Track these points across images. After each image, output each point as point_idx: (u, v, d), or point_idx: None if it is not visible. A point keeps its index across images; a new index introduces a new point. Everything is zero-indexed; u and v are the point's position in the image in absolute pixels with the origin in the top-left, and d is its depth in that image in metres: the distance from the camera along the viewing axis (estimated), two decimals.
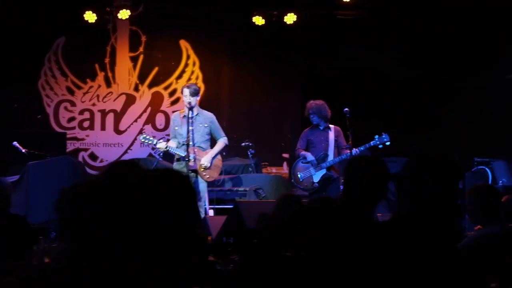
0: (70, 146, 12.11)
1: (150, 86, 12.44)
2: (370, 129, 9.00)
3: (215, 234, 6.94)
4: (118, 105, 12.36)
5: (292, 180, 9.02)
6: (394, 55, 11.42)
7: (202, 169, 8.30)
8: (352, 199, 3.55)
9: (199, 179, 8.34)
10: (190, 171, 8.17)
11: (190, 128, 8.31)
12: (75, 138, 12.21)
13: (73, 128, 12.23)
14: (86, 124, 12.29)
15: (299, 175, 8.81)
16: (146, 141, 8.50)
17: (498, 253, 4.59)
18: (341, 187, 8.73)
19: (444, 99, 11.44)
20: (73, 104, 12.28)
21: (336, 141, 8.80)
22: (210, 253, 5.95)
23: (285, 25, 11.77)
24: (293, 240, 4.16)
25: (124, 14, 11.57)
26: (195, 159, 8.26)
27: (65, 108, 12.26)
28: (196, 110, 8.50)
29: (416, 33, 11.52)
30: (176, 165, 8.42)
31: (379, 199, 3.72)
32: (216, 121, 8.69)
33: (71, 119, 12.26)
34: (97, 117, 12.32)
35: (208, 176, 8.37)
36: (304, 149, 8.90)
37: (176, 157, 8.40)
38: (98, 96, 12.32)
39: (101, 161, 12.24)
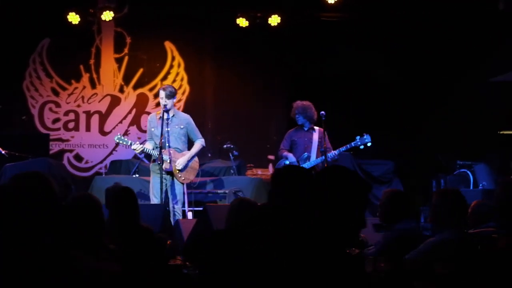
0: (55, 147, 12.12)
1: (135, 87, 12.44)
2: (355, 131, 9.02)
3: (186, 237, 6.94)
4: (103, 107, 12.36)
5: None
6: (379, 57, 11.43)
7: (177, 171, 8.30)
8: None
9: (175, 181, 8.34)
10: (165, 173, 8.18)
11: (166, 129, 8.32)
12: (60, 139, 12.21)
13: (58, 129, 12.23)
14: (71, 125, 12.29)
15: None
16: (121, 141, 8.51)
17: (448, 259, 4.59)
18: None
19: (429, 101, 11.43)
20: (58, 105, 12.28)
21: (320, 142, 8.83)
22: (174, 256, 5.95)
23: (269, 27, 11.74)
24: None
25: (107, 15, 11.55)
26: (170, 160, 8.27)
27: (50, 109, 12.26)
28: (172, 112, 8.52)
29: (401, 35, 11.51)
30: (152, 166, 8.43)
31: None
32: (192, 122, 8.68)
33: (56, 120, 12.26)
34: (82, 118, 12.32)
35: (183, 178, 8.37)
36: (288, 150, 8.97)
37: (153, 158, 8.41)
38: (83, 97, 12.32)
39: (86, 162, 12.24)
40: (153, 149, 8.34)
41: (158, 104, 12.20)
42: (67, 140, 12.23)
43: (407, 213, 5.57)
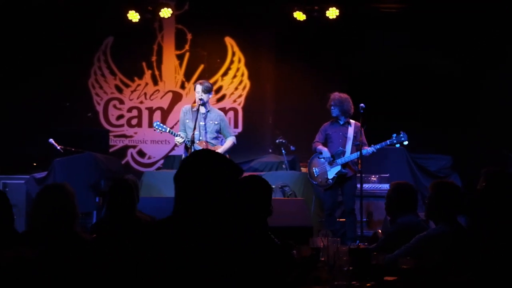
0: (119, 143, 12.40)
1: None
2: (412, 125, 8.76)
3: None
4: (165, 103, 12.53)
5: (308, 176, 8.88)
6: (437, 49, 11.03)
7: None
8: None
9: None
10: None
11: (202, 123, 8.34)
12: (124, 136, 12.48)
13: (122, 125, 12.51)
14: (134, 121, 12.53)
15: (314, 170, 8.70)
16: (159, 128, 8.56)
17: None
18: (358, 185, 8.55)
19: (489, 94, 10.93)
20: (121, 102, 12.56)
21: (355, 137, 8.60)
22: None
23: (327, 19, 11.55)
24: None
25: (165, 12, 11.71)
26: None
27: (114, 106, 12.55)
28: (208, 107, 8.51)
29: (461, 27, 11.07)
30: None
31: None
32: (226, 119, 8.71)
33: (120, 117, 12.54)
34: (145, 114, 12.54)
35: None
36: (322, 143, 8.78)
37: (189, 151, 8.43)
38: (145, 94, 12.54)
39: (149, 157, 12.45)
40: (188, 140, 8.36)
41: (219, 100, 12.35)
42: (131, 136, 12.48)
43: (411, 207, 5.33)
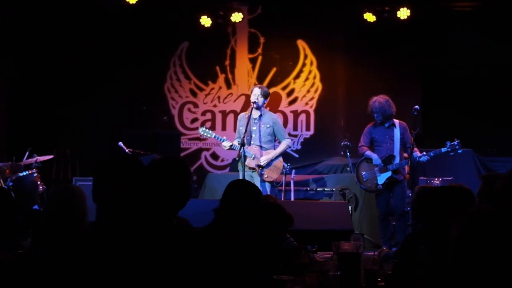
0: (193, 146, 12.62)
1: (269, 86, 12.50)
2: (486, 127, 8.52)
3: None
4: (238, 106, 12.66)
5: (356, 180, 8.75)
6: None
7: (260, 168, 8.31)
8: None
9: (259, 179, 8.36)
10: (249, 169, 8.24)
11: (254, 128, 8.39)
12: (198, 139, 12.67)
13: (196, 128, 12.70)
14: (208, 124, 12.69)
15: (363, 174, 8.57)
16: (205, 134, 8.67)
17: None
18: (408, 192, 8.37)
19: None
20: (196, 105, 12.78)
21: (402, 138, 8.44)
22: None
23: (398, 20, 11.35)
24: None
25: (237, 17, 11.84)
26: (254, 157, 8.32)
27: (189, 109, 12.79)
28: (261, 111, 8.57)
29: None
30: (239, 165, 8.53)
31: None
32: (280, 122, 8.72)
33: (194, 120, 12.76)
34: (218, 117, 12.72)
35: (266, 176, 8.38)
36: (368, 147, 8.64)
37: (238, 155, 8.50)
38: (219, 97, 12.71)
39: (222, 160, 12.61)
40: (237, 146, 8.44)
41: (291, 103, 12.37)
42: (205, 139, 12.66)
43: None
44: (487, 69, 10.96)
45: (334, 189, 9.49)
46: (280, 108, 12.50)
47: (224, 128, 12.66)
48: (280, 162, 8.61)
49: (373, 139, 8.71)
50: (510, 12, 10.84)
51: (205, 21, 11.95)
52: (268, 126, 8.55)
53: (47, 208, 4.27)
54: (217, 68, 12.69)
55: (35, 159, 9.51)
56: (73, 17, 12.01)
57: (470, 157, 9.75)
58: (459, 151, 8.32)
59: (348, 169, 10.45)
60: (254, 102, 8.45)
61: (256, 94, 8.50)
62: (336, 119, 12.31)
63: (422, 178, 9.34)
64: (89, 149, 11.89)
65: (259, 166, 8.35)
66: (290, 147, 8.74)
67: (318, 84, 12.40)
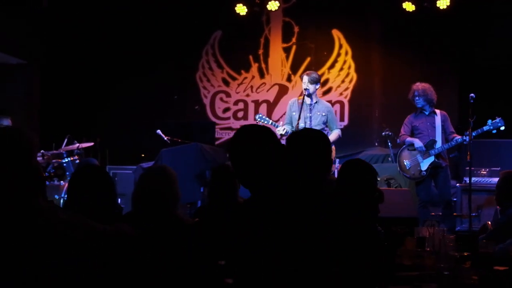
0: (225, 136, 12.50)
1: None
2: None
3: None
4: (271, 96, 12.55)
5: (398, 169, 8.64)
6: None
7: None
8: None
9: None
10: None
11: (309, 115, 8.27)
12: (230, 128, 12.57)
13: (228, 118, 12.61)
14: (240, 114, 12.61)
15: (405, 163, 8.49)
16: (262, 120, 8.55)
17: None
18: (465, 179, 8.27)
19: None
20: (228, 95, 12.66)
21: (443, 126, 8.37)
22: None
23: (438, 10, 11.21)
24: None
25: (273, 5, 11.72)
26: None
27: (221, 99, 12.67)
28: (314, 98, 8.45)
29: None
30: None
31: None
32: (333, 111, 8.58)
33: (226, 110, 12.65)
34: (251, 107, 12.60)
35: None
36: (409, 136, 8.54)
37: None
38: (252, 87, 12.59)
39: None
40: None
41: (325, 93, 12.24)
42: (236, 129, 12.50)
43: None
44: None
45: (379, 179, 9.34)
46: None
47: None
48: (333, 151, 8.50)
49: (414, 127, 8.61)
50: None
51: (241, 9, 11.82)
52: (323, 114, 8.41)
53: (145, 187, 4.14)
54: (250, 57, 12.56)
55: (76, 145, 9.40)
56: (107, 5, 11.90)
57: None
58: (502, 128, 8.19)
59: (389, 159, 10.33)
60: (306, 89, 8.31)
61: (305, 82, 8.38)
62: (371, 109, 12.18)
63: (467, 168, 9.19)
64: (119, 138, 11.81)
65: None
66: (340, 137, 8.59)
67: (353, 74, 12.27)
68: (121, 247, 3.12)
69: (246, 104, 12.61)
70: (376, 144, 11.83)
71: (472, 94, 8.06)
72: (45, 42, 11.98)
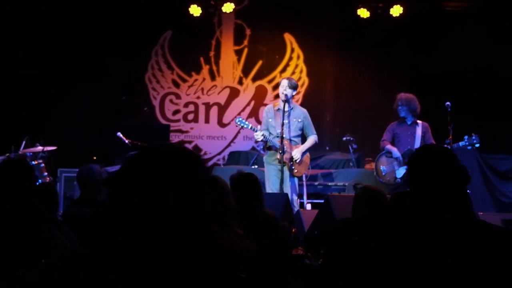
0: (175, 138, 12.30)
1: (254, 79, 12.44)
2: (472, 128, 8.61)
3: (307, 227, 6.83)
4: (222, 98, 12.44)
5: (375, 173, 8.79)
6: (506, 50, 10.86)
7: (292, 162, 8.16)
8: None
9: (286, 172, 8.20)
10: (278, 163, 8.08)
11: (285, 121, 8.21)
12: (180, 131, 12.38)
13: (178, 120, 12.41)
14: (190, 116, 12.43)
15: (381, 168, 8.66)
16: (241, 124, 8.43)
17: None
18: None
19: None
20: (178, 97, 12.46)
21: (423, 137, 8.58)
22: (296, 246, 5.85)
23: (391, 17, 11.45)
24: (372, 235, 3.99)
25: (228, 7, 11.61)
26: (286, 151, 8.17)
27: (171, 100, 12.46)
28: (291, 104, 8.42)
29: None
30: (266, 158, 8.35)
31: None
32: (309, 117, 8.55)
33: (176, 112, 12.44)
34: (202, 110, 12.45)
35: (296, 171, 8.22)
36: (390, 142, 8.71)
37: (267, 145, 8.33)
38: (202, 89, 12.44)
39: (205, 153, 12.34)
40: (274, 137, 8.24)
41: (276, 96, 12.15)
42: (187, 132, 12.38)
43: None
44: (475, 69, 11.12)
45: (347, 184, 9.45)
46: (265, 102, 12.34)
47: (207, 120, 12.42)
48: (307, 158, 8.48)
49: (395, 134, 8.77)
50: (500, 14, 11.09)
51: (195, 10, 11.65)
52: (299, 120, 8.38)
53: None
54: (201, 59, 12.42)
55: (41, 148, 8.99)
56: (57, 4, 11.48)
57: (472, 154, 9.89)
58: (476, 145, 8.44)
59: (350, 164, 10.44)
60: (285, 95, 8.24)
61: (284, 86, 8.31)
62: (323, 114, 12.27)
63: None
64: (67, 140, 11.39)
65: (292, 160, 8.19)
66: (316, 143, 8.61)
67: (305, 79, 12.34)
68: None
69: (196, 106, 12.44)
70: (327, 148, 11.94)
71: (448, 103, 8.26)
72: None
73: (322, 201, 8.98)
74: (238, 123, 8.46)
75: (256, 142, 9.66)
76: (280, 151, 7.99)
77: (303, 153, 8.34)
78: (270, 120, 8.39)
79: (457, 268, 2.60)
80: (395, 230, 2.85)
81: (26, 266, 3.26)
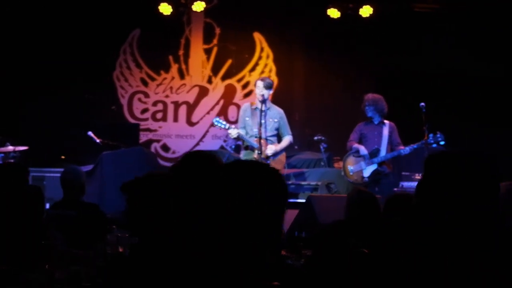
0: (143, 137, 12.20)
1: (223, 78, 12.41)
2: (444, 127, 8.73)
3: (287, 228, 6.84)
4: (191, 97, 12.38)
5: (342, 173, 8.88)
6: (473, 51, 11.02)
7: (267, 158, 8.19)
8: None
9: None
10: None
11: (262, 121, 8.23)
12: (148, 129, 12.29)
13: (146, 119, 12.32)
14: (159, 115, 12.36)
15: (349, 168, 8.74)
16: (218, 124, 8.40)
17: None
18: (401, 183, 8.60)
19: None
20: (146, 95, 12.37)
21: (390, 136, 8.69)
22: (282, 248, 5.85)
23: (360, 18, 11.53)
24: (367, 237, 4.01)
25: (198, 6, 11.56)
26: (261, 150, 8.20)
27: (139, 99, 12.36)
28: (268, 104, 8.43)
29: (498, 29, 11.08)
30: (244, 154, 8.37)
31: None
32: (285, 117, 8.60)
33: (145, 110, 12.35)
34: (170, 108, 12.38)
35: None
36: (357, 142, 8.80)
37: (244, 145, 8.35)
38: (171, 87, 12.37)
39: (173, 152, 12.28)
40: (250, 137, 8.25)
41: (246, 95, 12.24)
42: (155, 130, 12.30)
43: None
44: (444, 70, 11.26)
45: (319, 183, 9.50)
46: (235, 101, 12.35)
47: (176, 119, 12.36)
48: (283, 157, 8.52)
49: (362, 135, 8.87)
50: (468, 15, 11.25)
51: (165, 8, 11.56)
52: (275, 120, 8.42)
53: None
54: (170, 58, 12.35)
55: (12, 148, 8.84)
56: (24, 2, 11.30)
57: None
58: (441, 143, 8.54)
59: (322, 163, 10.50)
60: (261, 95, 8.27)
61: (260, 87, 8.34)
62: (292, 113, 12.24)
63: (405, 173, 9.55)
64: (33, 138, 11.22)
65: (266, 157, 8.21)
66: (292, 143, 8.66)
67: (274, 78, 12.30)
68: None
69: (165, 105, 12.37)
70: (296, 147, 11.96)
71: (422, 103, 8.36)
72: None
73: (296, 200, 9.09)
74: (216, 123, 8.44)
75: (225, 141, 9.65)
76: (258, 151, 8.00)
77: (279, 152, 8.39)
78: (247, 119, 8.41)
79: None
80: (413, 233, 2.85)
81: (30, 269, 3.21)
